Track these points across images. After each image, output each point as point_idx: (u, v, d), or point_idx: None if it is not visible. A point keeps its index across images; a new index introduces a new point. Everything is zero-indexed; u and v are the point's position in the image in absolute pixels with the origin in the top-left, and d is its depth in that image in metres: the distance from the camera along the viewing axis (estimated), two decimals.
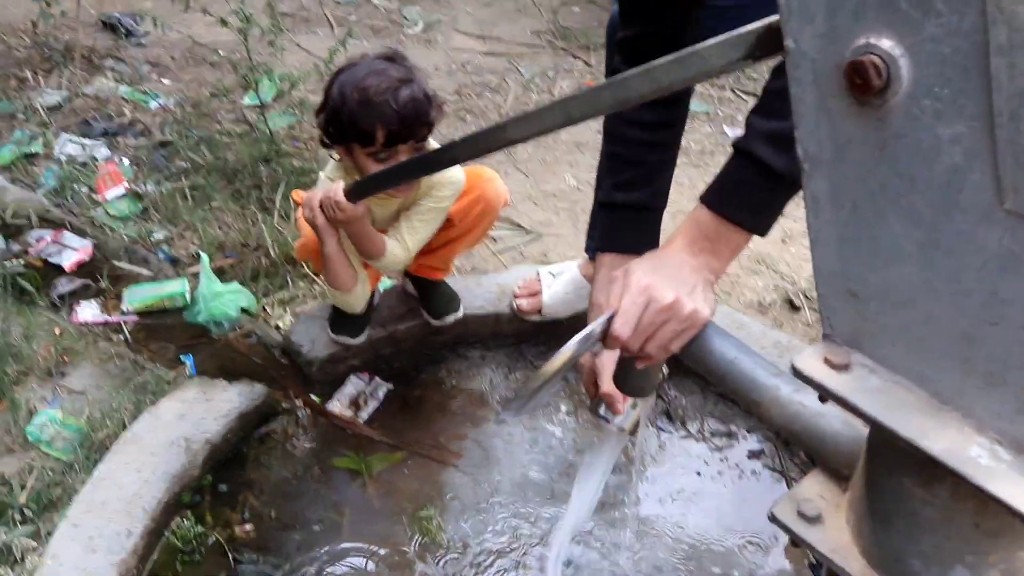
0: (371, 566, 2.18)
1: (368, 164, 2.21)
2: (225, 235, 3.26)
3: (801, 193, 0.93)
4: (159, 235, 3.32)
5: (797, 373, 0.96)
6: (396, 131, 2.14)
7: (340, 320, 2.65)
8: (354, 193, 2.07)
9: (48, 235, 3.27)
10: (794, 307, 2.98)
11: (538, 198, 3.59)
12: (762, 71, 4.27)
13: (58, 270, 3.13)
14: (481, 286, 2.85)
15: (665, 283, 1.34)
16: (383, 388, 2.67)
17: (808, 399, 1.21)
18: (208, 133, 3.91)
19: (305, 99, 4.13)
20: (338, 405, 2.61)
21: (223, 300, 2.85)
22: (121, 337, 2.86)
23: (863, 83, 0.78)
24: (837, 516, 1.11)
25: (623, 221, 1.85)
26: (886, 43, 0.76)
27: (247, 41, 3.55)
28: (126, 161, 3.74)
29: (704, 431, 2.55)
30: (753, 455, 2.47)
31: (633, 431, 1.83)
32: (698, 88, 4.26)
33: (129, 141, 3.90)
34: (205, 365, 2.72)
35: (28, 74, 4.38)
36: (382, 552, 2.21)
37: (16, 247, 3.24)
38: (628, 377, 1.53)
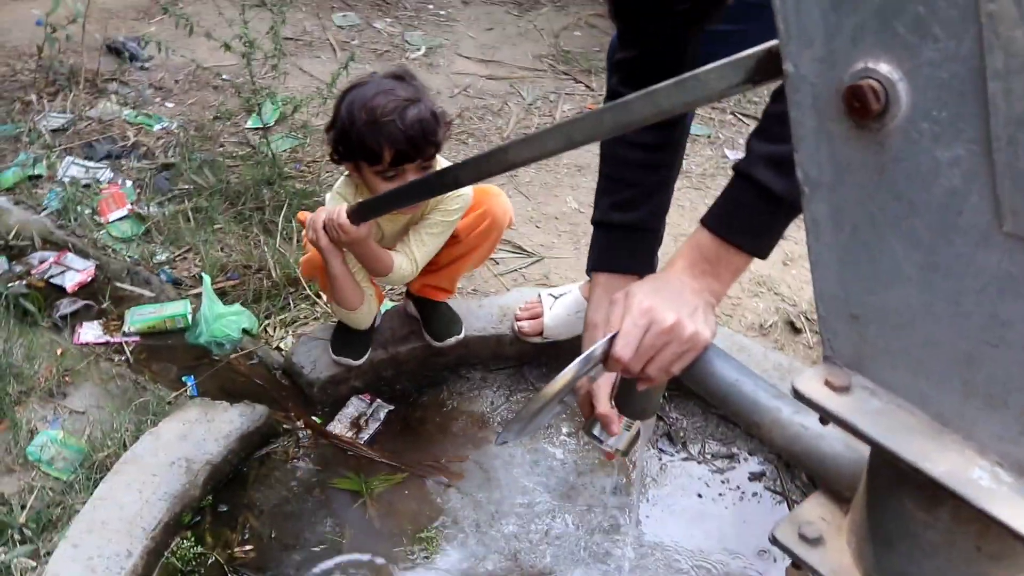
0: None
1: (376, 182, 2.23)
2: (227, 257, 3.27)
3: (801, 216, 0.94)
4: (161, 257, 3.33)
5: (798, 395, 0.96)
6: (403, 151, 2.16)
7: (342, 341, 2.65)
8: (357, 215, 2.08)
9: (51, 256, 3.28)
10: (795, 329, 2.98)
11: (540, 220, 3.60)
12: (763, 95, 4.29)
13: (60, 291, 3.14)
14: (483, 308, 2.85)
15: (666, 305, 1.35)
16: (384, 409, 2.67)
17: (809, 421, 1.21)
18: (211, 156, 3.92)
19: (308, 122, 4.15)
20: (339, 426, 2.61)
21: (225, 321, 2.86)
22: (123, 358, 2.87)
23: (862, 107, 0.78)
24: (838, 538, 1.11)
25: (619, 241, 1.86)
26: (884, 67, 0.76)
27: (250, 65, 3.57)
28: (129, 183, 3.75)
29: (705, 453, 2.55)
30: (754, 477, 2.47)
31: (627, 451, 1.83)
32: (699, 111, 4.27)
33: (132, 163, 3.91)
34: (206, 386, 2.73)
35: (33, 97, 4.39)
36: (382, 573, 2.21)
37: (19, 268, 3.25)
38: (629, 399, 1.53)
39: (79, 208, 3.54)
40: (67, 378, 2.70)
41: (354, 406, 2.67)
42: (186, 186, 3.70)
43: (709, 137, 4.24)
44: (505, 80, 4.88)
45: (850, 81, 0.79)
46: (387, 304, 2.91)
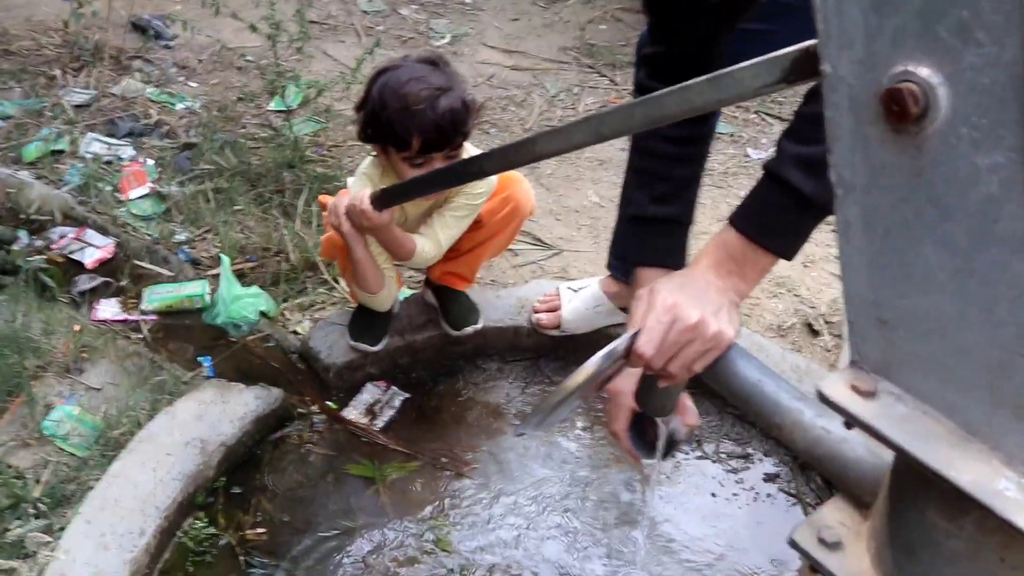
0: (381, 574, 2.18)
1: (402, 168, 2.23)
2: (246, 239, 3.27)
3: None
4: (181, 236, 3.33)
5: (823, 399, 0.95)
6: (432, 140, 2.15)
7: (359, 327, 2.65)
8: (380, 201, 2.08)
9: (71, 232, 3.29)
10: (814, 331, 2.97)
11: (560, 213, 3.59)
12: (788, 94, 4.27)
13: (79, 267, 3.15)
14: (501, 299, 2.85)
15: (691, 303, 1.34)
16: (399, 397, 2.67)
17: (831, 424, 1.20)
18: (233, 137, 3.93)
19: (331, 107, 4.15)
20: (354, 412, 2.61)
21: (242, 303, 2.86)
22: (140, 336, 2.87)
23: (900, 110, 0.77)
24: (857, 544, 1.11)
25: (661, 235, 1.83)
26: (924, 71, 0.75)
27: (276, 47, 3.57)
28: (150, 162, 3.75)
29: (720, 452, 2.54)
30: (769, 478, 2.46)
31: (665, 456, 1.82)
32: (723, 109, 4.26)
33: (154, 142, 3.92)
34: (222, 367, 2.73)
35: (57, 72, 4.41)
36: (393, 560, 2.21)
37: (39, 243, 3.26)
38: (649, 396, 1.53)
39: (100, 185, 3.55)
40: (84, 354, 2.70)
41: (369, 393, 2.67)
42: (207, 166, 3.71)
43: (732, 135, 4.23)
44: (529, 71, 4.87)
45: (889, 84, 0.78)
46: (405, 292, 2.91)
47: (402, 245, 2.33)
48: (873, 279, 0.90)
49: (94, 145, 3.81)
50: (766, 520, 2.36)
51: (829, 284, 3.19)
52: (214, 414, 2.41)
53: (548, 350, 2.82)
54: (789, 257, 1.53)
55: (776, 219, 1.49)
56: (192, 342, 2.86)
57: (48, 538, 2.10)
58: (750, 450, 2.54)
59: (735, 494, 2.43)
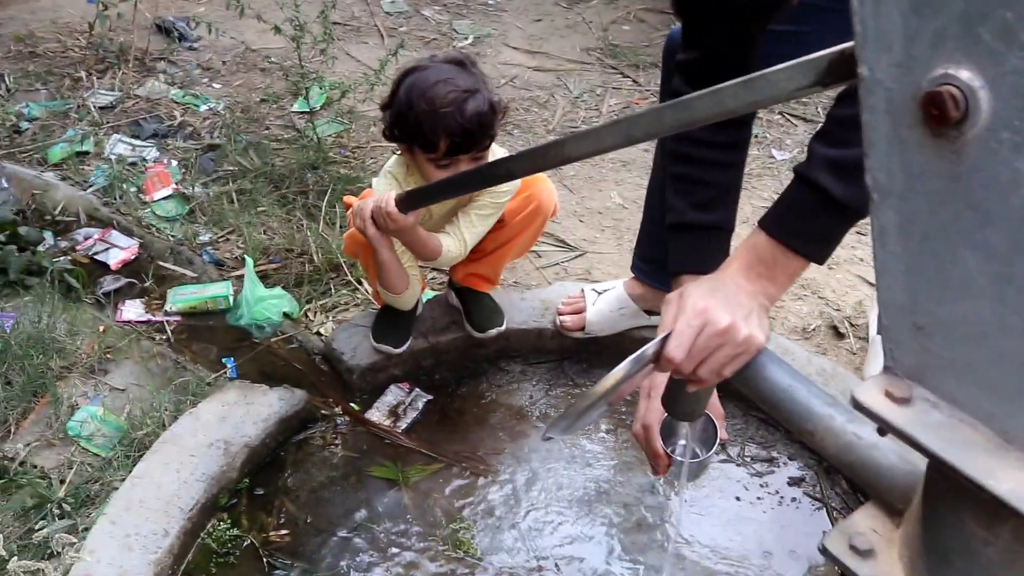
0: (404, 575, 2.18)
1: (428, 168, 2.23)
2: (270, 240, 3.28)
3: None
4: (204, 237, 3.34)
5: (857, 405, 0.94)
6: (459, 142, 2.15)
7: (383, 329, 2.65)
8: (406, 203, 2.07)
9: (96, 233, 3.31)
10: (839, 334, 2.95)
11: (583, 215, 3.58)
12: (813, 96, 4.24)
13: (104, 268, 3.17)
14: (524, 301, 2.84)
15: (721, 307, 1.33)
16: (423, 399, 2.67)
17: (863, 430, 1.19)
18: (256, 138, 3.94)
19: (354, 108, 4.15)
20: (377, 414, 2.61)
21: (266, 304, 2.87)
22: (164, 337, 2.88)
23: (940, 114, 0.76)
24: (890, 551, 1.09)
25: (703, 242, 1.81)
26: (965, 74, 0.74)
27: (299, 49, 3.57)
28: (175, 163, 3.77)
29: (744, 456, 2.52)
30: (793, 482, 2.44)
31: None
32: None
33: (178, 143, 3.93)
34: (246, 368, 2.74)
35: (83, 74, 4.43)
36: (416, 562, 2.21)
37: (64, 244, 3.28)
38: (678, 400, 1.51)
39: (124, 186, 3.57)
40: (108, 355, 2.72)
41: (393, 394, 2.67)
42: (231, 168, 3.72)
43: (756, 137, 4.20)
44: (552, 72, 4.86)
45: (928, 87, 0.77)
46: (429, 293, 2.91)
47: (427, 245, 2.32)
48: (909, 285, 0.89)
49: (119, 146, 3.83)
50: (791, 524, 2.34)
51: (854, 286, 3.17)
52: (237, 415, 2.41)
53: (572, 352, 2.81)
54: (820, 261, 1.52)
55: (807, 223, 1.48)
56: (216, 343, 2.87)
57: (73, 539, 2.10)
58: (775, 454, 2.53)
59: (759, 498, 2.41)
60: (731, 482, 2.45)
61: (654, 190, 2.54)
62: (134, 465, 2.26)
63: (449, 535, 2.27)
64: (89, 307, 2.95)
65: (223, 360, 2.77)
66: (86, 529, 2.13)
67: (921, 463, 1.05)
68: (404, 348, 2.66)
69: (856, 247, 3.35)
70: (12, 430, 2.45)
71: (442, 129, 2.13)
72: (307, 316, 2.96)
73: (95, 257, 3.21)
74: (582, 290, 2.77)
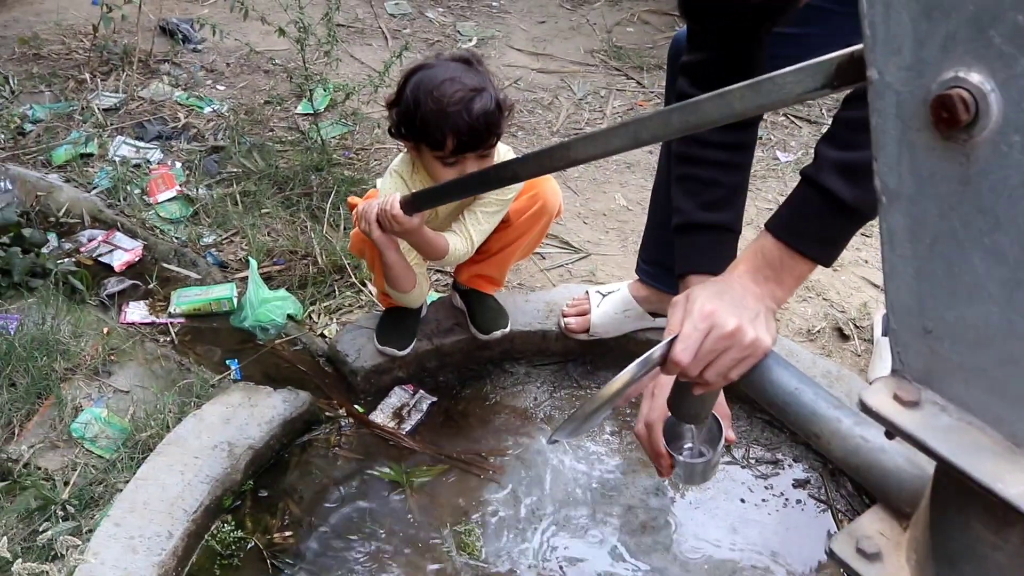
0: None
1: (435, 166, 2.23)
2: (274, 242, 3.28)
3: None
4: (208, 239, 3.34)
5: (865, 408, 0.94)
6: (466, 141, 2.15)
7: (387, 332, 2.65)
8: (410, 206, 2.07)
9: (100, 235, 3.31)
10: (843, 336, 2.94)
11: (587, 216, 3.58)
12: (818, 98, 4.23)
13: (108, 270, 3.17)
14: (529, 302, 2.84)
15: (728, 310, 1.33)
16: (427, 401, 2.67)
17: (870, 433, 1.19)
18: (260, 140, 3.93)
19: (358, 110, 4.15)
20: (381, 416, 2.61)
21: (270, 306, 2.86)
22: (168, 339, 2.88)
23: (950, 117, 0.76)
24: (897, 555, 1.09)
25: (712, 242, 1.80)
26: (976, 77, 0.74)
27: (303, 51, 3.57)
28: (179, 165, 3.77)
29: (749, 458, 2.52)
30: (798, 484, 2.44)
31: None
32: None
33: (182, 145, 3.93)
34: (250, 370, 2.74)
35: (86, 76, 4.43)
36: (420, 565, 2.21)
37: (68, 245, 3.28)
38: (684, 403, 1.51)
39: (129, 188, 3.57)
40: (112, 357, 2.72)
41: (397, 396, 2.67)
42: (235, 169, 3.72)
43: (761, 138, 4.19)
44: (556, 74, 4.85)
45: (938, 90, 0.77)
46: (433, 295, 2.91)
47: (434, 245, 2.32)
48: (918, 288, 0.89)
49: (123, 148, 3.83)
50: (795, 526, 2.34)
51: (859, 288, 3.17)
52: (241, 417, 2.41)
53: (576, 354, 2.81)
54: (827, 264, 1.52)
55: (814, 226, 1.48)
56: (220, 345, 2.87)
57: (77, 541, 2.10)
58: (780, 455, 2.53)
59: (764, 500, 2.41)
60: (736, 484, 2.45)
61: (659, 192, 2.54)
62: (138, 467, 2.26)
63: (453, 537, 2.27)
64: (93, 309, 2.95)
65: (227, 362, 2.77)
66: (90, 531, 2.13)
67: (929, 467, 1.05)
68: (408, 351, 2.66)
69: (861, 249, 3.35)
70: (16, 432, 2.45)
71: (449, 127, 2.13)
72: (311, 318, 2.96)
73: (99, 259, 3.21)
74: (586, 292, 2.77)
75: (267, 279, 3.04)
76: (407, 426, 2.58)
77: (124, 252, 3.22)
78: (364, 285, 3.05)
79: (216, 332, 2.92)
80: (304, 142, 3.89)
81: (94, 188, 3.58)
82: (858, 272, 3.25)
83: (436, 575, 2.19)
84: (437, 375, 2.76)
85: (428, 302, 2.82)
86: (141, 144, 3.89)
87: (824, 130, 1.60)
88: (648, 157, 3.89)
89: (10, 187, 3.47)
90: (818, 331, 2.95)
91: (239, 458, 2.33)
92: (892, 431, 0.93)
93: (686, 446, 1.76)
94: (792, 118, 4.39)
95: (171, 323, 2.93)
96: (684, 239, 1.82)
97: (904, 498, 1.13)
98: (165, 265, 3.19)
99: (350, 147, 3.94)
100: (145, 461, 2.27)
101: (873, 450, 1.18)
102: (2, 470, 2.33)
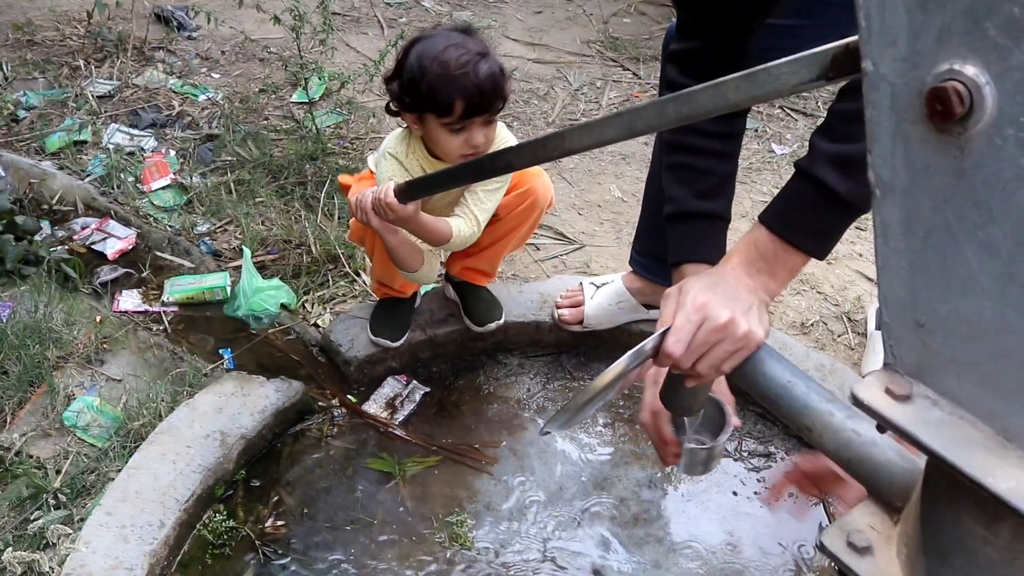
0: (400, 568, 2.18)
1: (441, 134, 2.19)
2: (268, 231, 3.27)
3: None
4: (202, 228, 3.33)
5: (857, 402, 0.93)
6: (475, 103, 2.13)
7: (380, 323, 2.65)
8: (405, 194, 2.06)
9: (93, 223, 3.30)
10: (837, 329, 2.94)
11: (582, 208, 3.58)
12: (814, 89, 4.23)
13: (101, 258, 3.16)
14: (523, 294, 2.83)
15: (721, 302, 1.33)
16: (420, 391, 2.66)
17: (861, 427, 1.18)
18: (255, 128, 3.92)
19: (353, 99, 4.14)
20: (374, 406, 2.61)
21: (263, 296, 2.86)
22: (161, 327, 2.88)
23: (944, 110, 0.76)
24: (888, 548, 1.09)
25: (705, 230, 1.80)
26: (971, 70, 0.74)
27: (299, 39, 3.56)
28: (173, 153, 3.76)
29: (742, 451, 2.52)
30: None
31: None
32: None
33: (176, 133, 3.92)
34: (243, 359, 2.74)
35: (81, 63, 4.41)
36: (412, 555, 2.21)
37: (61, 233, 3.27)
38: (676, 395, 1.51)
39: (122, 175, 3.56)
40: (105, 345, 2.71)
41: (390, 386, 2.66)
42: (229, 158, 3.71)
43: (756, 131, 4.20)
44: (552, 64, 4.85)
45: (933, 82, 0.76)
46: (427, 286, 2.90)
47: (435, 231, 2.28)
48: (911, 281, 0.88)
49: (117, 136, 3.82)
50: (787, 519, 2.34)
51: (853, 282, 3.17)
52: (234, 407, 2.41)
53: (570, 346, 2.80)
54: (821, 256, 1.52)
55: (808, 218, 1.48)
56: (213, 334, 2.86)
57: (68, 529, 2.10)
58: (772, 448, 2.53)
59: (756, 493, 2.41)
60: (728, 477, 2.45)
61: (653, 184, 2.54)
62: (130, 456, 2.26)
63: (445, 528, 2.27)
64: (86, 297, 2.95)
65: (220, 351, 2.76)
66: (82, 520, 2.12)
67: (920, 460, 1.05)
68: (402, 342, 2.65)
69: (855, 242, 3.35)
70: (8, 420, 2.44)
71: (457, 91, 2.11)
72: (305, 307, 2.95)
73: (92, 247, 3.19)
74: (580, 283, 2.77)
75: (261, 268, 3.03)
76: (400, 416, 2.58)
77: (117, 240, 3.21)
78: (358, 275, 3.05)
79: (209, 321, 2.92)
80: (299, 131, 3.89)
81: (88, 176, 3.57)
82: (852, 265, 3.25)
83: (427, 565, 2.19)
84: (430, 366, 2.76)
85: (422, 292, 2.81)
86: (135, 132, 3.87)
87: (820, 122, 1.60)
88: (643, 148, 3.88)
89: (3, 174, 3.45)
90: (812, 324, 2.96)
91: (231, 447, 2.32)
92: (883, 425, 0.93)
93: (690, 432, 1.75)
94: (788, 111, 4.39)
95: (164, 312, 2.93)
96: (677, 227, 1.82)
97: (895, 492, 1.13)
98: (158, 253, 3.19)
99: (345, 136, 3.93)
100: (137, 450, 2.27)
101: (865, 444, 1.17)
102: None
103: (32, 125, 3.89)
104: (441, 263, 2.73)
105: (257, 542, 2.21)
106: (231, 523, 2.23)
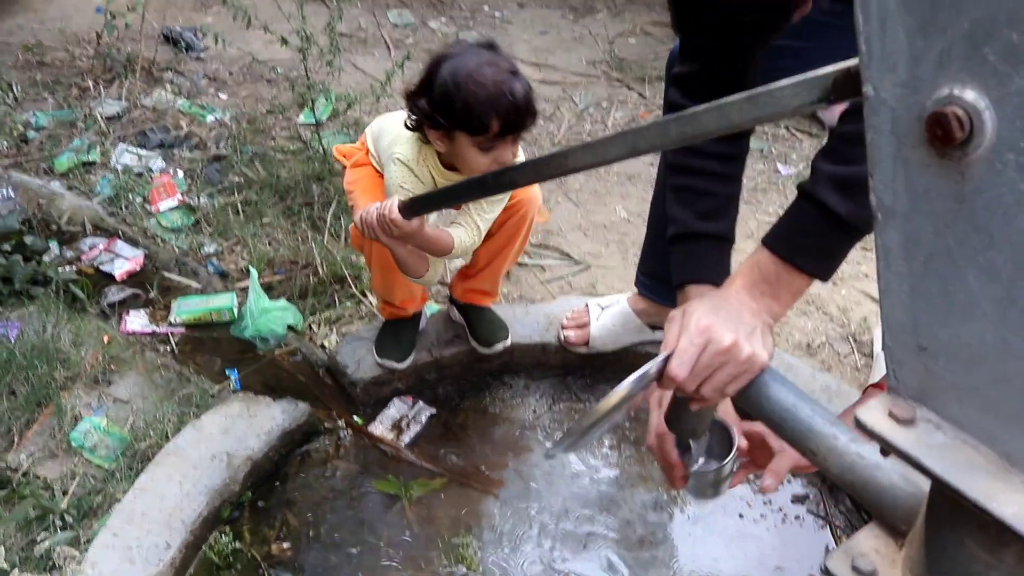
0: None
1: (471, 152, 2.15)
2: (275, 251, 3.28)
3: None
4: (210, 248, 3.34)
5: (860, 426, 0.93)
6: (512, 122, 2.10)
7: (386, 344, 2.65)
8: (409, 210, 2.05)
9: (101, 243, 3.31)
10: (844, 350, 2.94)
11: (588, 228, 3.58)
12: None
13: (109, 278, 3.17)
14: (528, 315, 2.84)
15: (724, 325, 1.32)
16: (426, 413, 2.66)
17: (866, 450, 1.18)
18: (262, 149, 3.94)
19: (360, 119, 4.16)
20: (380, 427, 2.60)
21: (270, 316, 2.86)
22: (168, 348, 2.88)
23: (944, 135, 0.76)
24: (892, 573, 1.08)
25: (709, 251, 1.80)
26: (970, 95, 0.74)
27: (306, 60, 3.58)
28: (180, 173, 3.77)
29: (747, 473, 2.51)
30: (797, 499, 2.43)
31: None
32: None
33: (184, 154, 3.94)
34: (250, 380, 2.74)
35: (90, 83, 4.45)
36: None
37: (69, 253, 3.28)
38: (681, 418, 1.51)
39: (130, 196, 3.57)
40: (112, 366, 2.71)
41: (396, 408, 2.66)
42: (236, 178, 3.72)
43: (762, 151, 4.20)
44: (558, 85, 4.86)
45: (933, 107, 0.76)
46: (433, 307, 2.91)
47: (437, 243, 2.26)
48: (913, 306, 0.88)
49: (125, 156, 3.84)
50: (794, 542, 2.33)
51: (859, 302, 3.16)
52: (241, 428, 2.41)
53: (576, 367, 2.80)
54: (824, 278, 1.51)
55: (811, 240, 1.48)
56: (220, 355, 2.87)
57: (75, 551, 2.10)
58: None
59: (762, 515, 2.40)
60: (734, 499, 2.44)
61: (657, 205, 2.54)
62: (137, 477, 2.26)
63: (451, 550, 2.27)
64: (94, 317, 2.95)
65: (227, 372, 2.77)
66: (88, 541, 2.12)
67: (924, 484, 1.05)
68: (407, 364, 2.65)
69: (861, 263, 3.34)
70: (15, 440, 2.45)
71: (494, 110, 2.07)
72: (311, 328, 2.96)
73: (100, 267, 3.21)
74: (586, 305, 2.77)
75: (267, 289, 3.04)
76: (406, 438, 2.58)
77: (125, 261, 3.22)
78: (364, 296, 3.05)
79: (216, 342, 2.92)
80: (306, 152, 3.90)
81: (96, 196, 3.58)
82: (858, 286, 3.24)
83: None
84: (436, 387, 2.76)
85: (428, 314, 2.81)
86: (143, 152, 3.89)
87: (824, 143, 1.60)
88: (649, 169, 3.89)
89: (12, 194, 3.47)
90: (818, 345, 2.95)
91: (237, 469, 2.33)
92: (887, 448, 0.93)
93: (697, 456, 1.74)
94: (793, 131, 4.39)
95: (171, 332, 2.93)
96: (681, 248, 1.82)
97: (899, 516, 1.13)
98: (166, 274, 3.19)
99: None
100: (144, 471, 2.27)
101: (869, 467, 1.17)
102: (1, 479, 2.33)
103: (41, 146, 3.91)
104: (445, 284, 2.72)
105: (263, 564, 2.21)
106: (237, 545, 2.23)
